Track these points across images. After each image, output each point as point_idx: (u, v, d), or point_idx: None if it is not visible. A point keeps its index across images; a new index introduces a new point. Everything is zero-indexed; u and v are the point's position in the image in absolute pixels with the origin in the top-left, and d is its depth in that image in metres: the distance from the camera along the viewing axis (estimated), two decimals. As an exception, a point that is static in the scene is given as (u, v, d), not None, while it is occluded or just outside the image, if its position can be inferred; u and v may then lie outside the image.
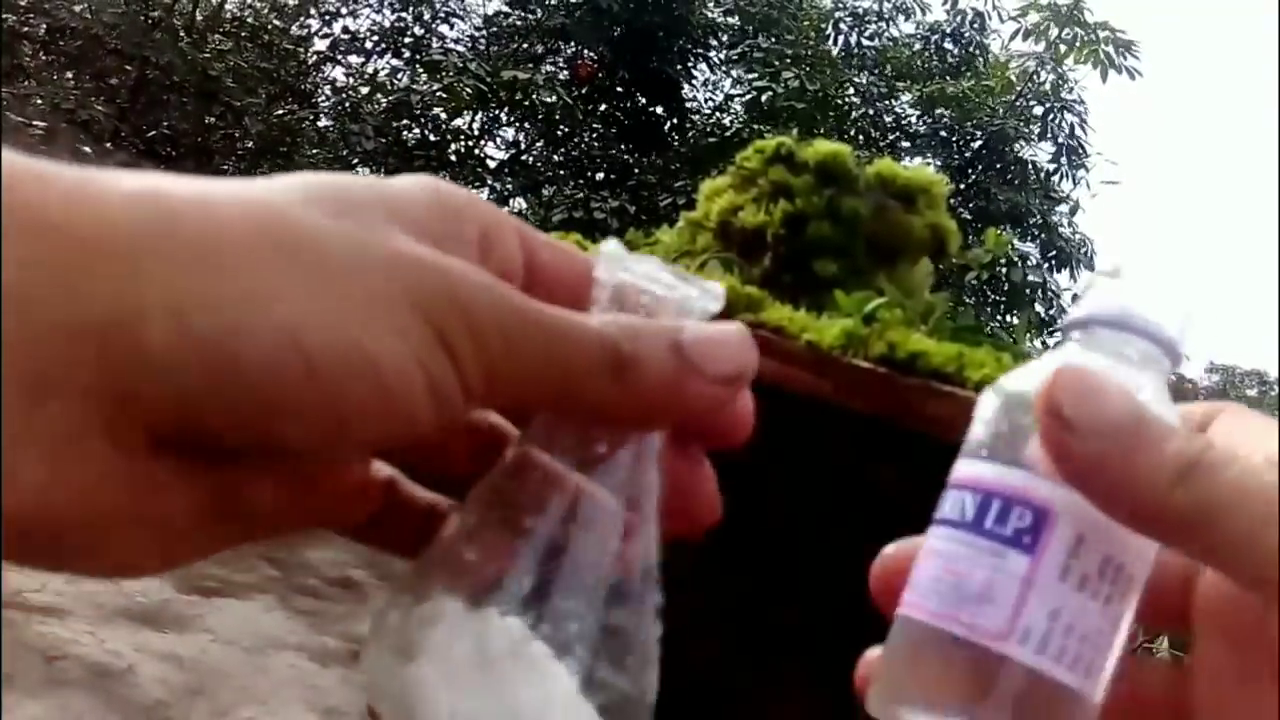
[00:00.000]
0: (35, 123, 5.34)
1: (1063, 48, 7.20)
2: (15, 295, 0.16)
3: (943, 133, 7.67)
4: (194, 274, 0.18)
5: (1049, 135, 7.69)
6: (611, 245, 0.24)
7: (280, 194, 0.20)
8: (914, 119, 7.84)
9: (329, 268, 0.19)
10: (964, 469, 0.26)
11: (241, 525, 0.21)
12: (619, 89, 7.34)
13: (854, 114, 7.50)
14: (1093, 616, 0.23)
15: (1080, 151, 7.64)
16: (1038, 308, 7.15)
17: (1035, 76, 7.60)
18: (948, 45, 8.00)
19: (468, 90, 6.52)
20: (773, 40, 7.31)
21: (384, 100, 6.84)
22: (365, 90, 7.12)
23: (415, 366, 0.19)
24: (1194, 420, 0.25)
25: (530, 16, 7.34)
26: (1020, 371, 0.26)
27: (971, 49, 7.95)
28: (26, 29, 5.83)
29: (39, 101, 5.36)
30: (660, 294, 0.23)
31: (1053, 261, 7.37)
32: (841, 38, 7.94)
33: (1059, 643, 0.23)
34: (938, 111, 7.58)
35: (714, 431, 0.24)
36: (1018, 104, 7.59)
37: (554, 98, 6.48)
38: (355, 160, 7.03)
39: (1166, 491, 0.21)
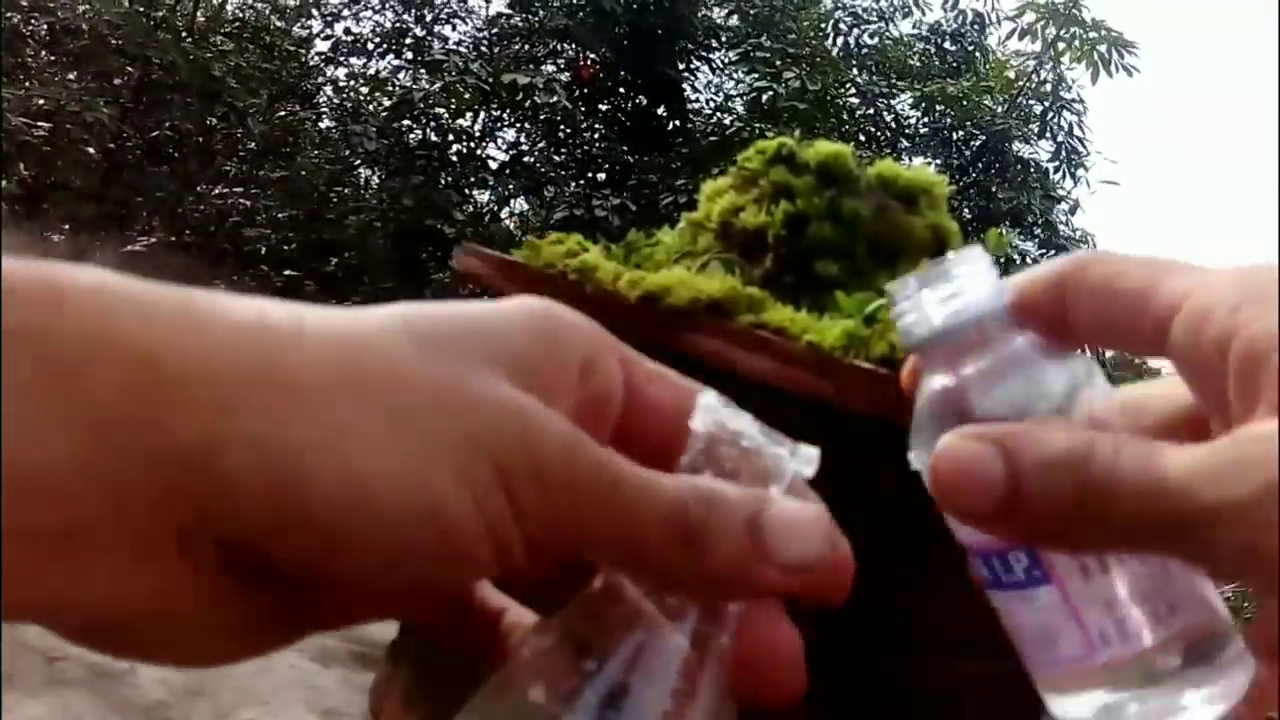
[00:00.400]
0: (38, 124, 5.34)
1: (1060, 45, 7.19)
2: (110, 417, 0.18)
3: (942, 132, 7.67)
4: (276, 415, 0.19)
5: (1048, 134, 7.69)
6: (710, 397, 0.23)
7: (378, 329, 0.21)
8: (914, 119, 7.84)
9: (405, 412, 0.20)
10: (961, 535, 0.26)
11: (313, 624, 0.23)
12: (621, 90, 7.34)
13: (855, 114, 7.50)
14: (1137, 577, 0.23)
15: (1079, 151, 7.64)
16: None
17: (1034, 76, 7.60)
18: (947, 45, 8.00)
19: (469, 91, 6.52)
20: (773, 40, 7.31)
21: (385, 100, 6.84)
22: (367, 91, 7.12)
23: (477, 515, 0.20)
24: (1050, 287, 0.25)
25: (532, 18, 7.34)
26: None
27: (970, 49, 7.95)
28: (29, 28, 5.83)
29: (41, 102, 5.36)
30: (751, 454, 0.22)
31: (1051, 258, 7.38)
32: (841, 38, 7.95)
33: (1134, 616, 0.23)
34: (938, 111, 7.58)
35: (805, 593, 0.23)
36: (1018, 103, 7.59)
37: (555, 98, 6.48)
38: (357, 162, 7.03)
39: (1075, 524, 0.21)
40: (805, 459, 0.23)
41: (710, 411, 0.23)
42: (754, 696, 0.23)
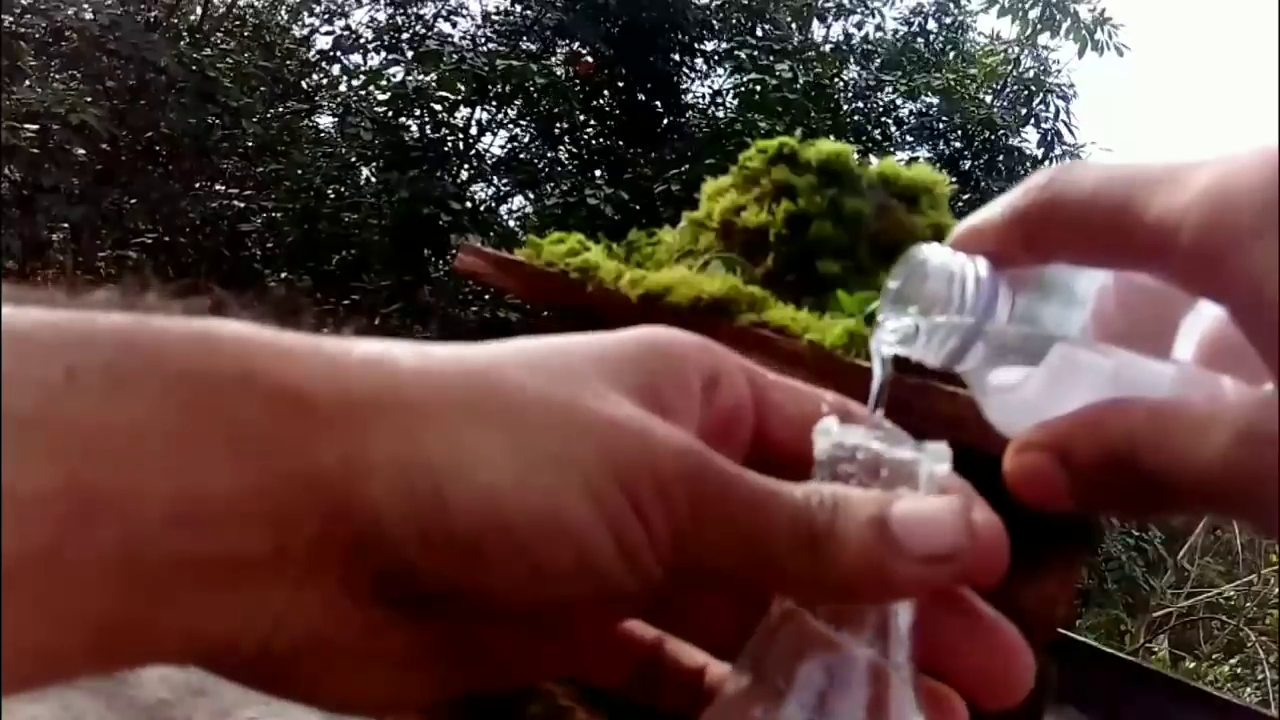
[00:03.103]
0: (27, 126, 5.34)
1: (1040, 26, 7.18)
2: (267, 449, 0.19)
3: (930, 124, 7.68)
4: (411, 437, 0.20)
5: (1034, 120, 7.67)
6: (827, 422, 0.23)
7: (498, 358, 0.22)
8: (904, 111, 7.84)
9: (531, 432, 0.20)
10: None
11: (478, 672, 0.23)
12: (616, 84, 7.35)
13: (846, 106, 7.51)
14: None
15: (1067, 137, 7.62)
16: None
17: (1018, 62, 7.59)
18: (930, 26, 8.01)
19: (465, 82, 6.52)
20: (764, 33, 7.32)
21: (381, 95, 6.83)
22: (359, 84, 7.11)
23: (606, 531, 0.20)
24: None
25: (528, 12, 7.35)
26: None
27: (953, 29, 7.96)
28: (24, 30, 5.82)
29: (34, 103, 5.35)
30: (873, 465, 0.22)
31: None
32: (826, 29, 7.97)
33: None
34: (926, 101, 7.59)
35: (955, 583, 0.24)
36: (1005, 90, 7.59)
37: (548, 81, 6.48)
38: (354, 158, 7.03)
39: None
40: (935, 455, 0.23)
41: (827, 435, 0.23)
42: (981, 703, 0.23)
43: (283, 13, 7.50)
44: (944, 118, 7.57)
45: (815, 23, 7.88)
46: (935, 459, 0.23)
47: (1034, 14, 7.11)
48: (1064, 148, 7.63)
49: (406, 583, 0.20)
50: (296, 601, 0.19)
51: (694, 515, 0.20)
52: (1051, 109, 7.65)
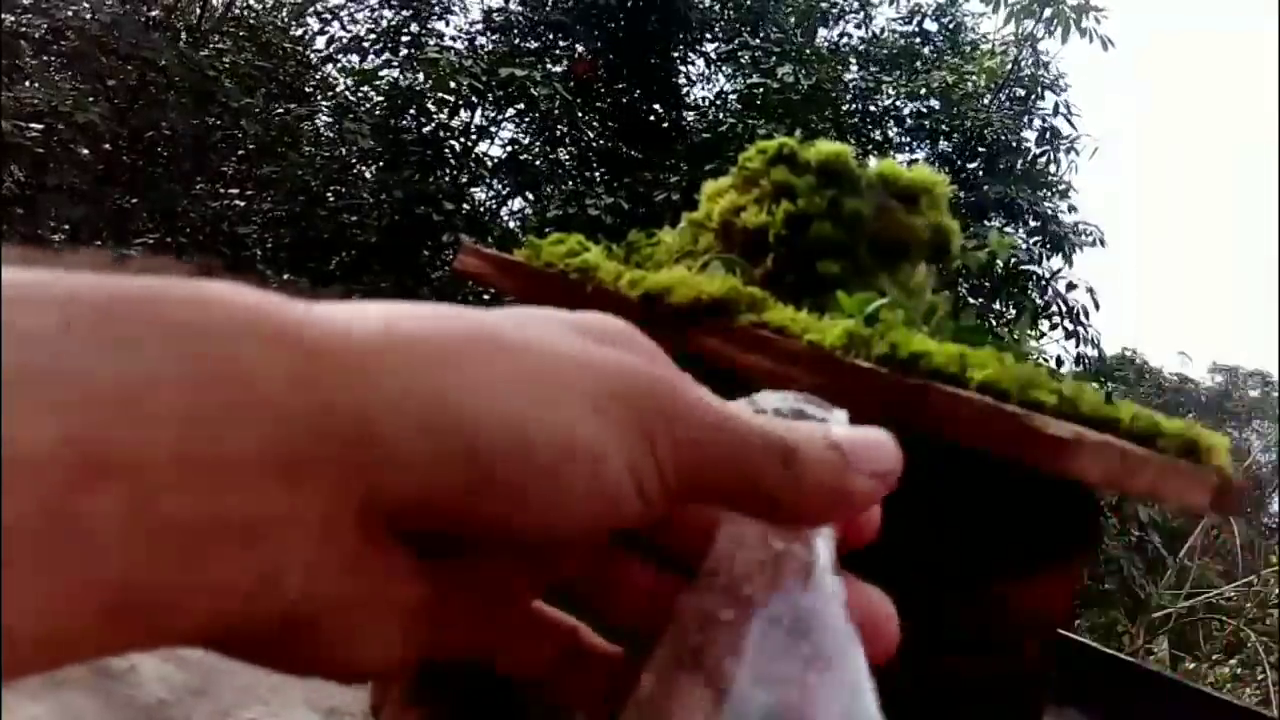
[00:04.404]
0: (32, 125, 5.33)
1: (1031, 23, 7.19)
2: (271, 398, 0.18)
3: (928, 123, 7.68)
4: (422, 370, 0.20)
5: (1030, 117, 7.67)
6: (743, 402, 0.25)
7: (485, 314, 0.22)
8: (903, 111, 7.85)
9: (545, 366, 0.21)
10: None
11: (468, 625, 0.23)
12: (616, 86, 7.34)
13: (845, 107, 7.51)
14: None
15: (1063, 133, 7.61)
16: (1024, 295, 7.16)
17: (1017, 60, 7.60)
18: (929, 26, 8.03)
19: (464, 86, 6.51)
20: (765, 35, 7.33)
21: (379, 96, 6.83)
22: (362, 88, 7.11)
23: (623, 458, 0.21)
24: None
25: (528, 13, 7.35)
26: None
27: (952, 29, 7.97)
28: (24, 29, 5.82)
29: (36, 103, 5.35)
30: (795, 414, 0.24)
31: (1045, 248, 7.36)
32: (825, 30, 7.98)
33: None
34: (925, 102, 7.59)
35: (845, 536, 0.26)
36: (1005, 87, 7.59)
37: (550, 91, 6.48)
38: (354, 160, 7.03)
39: None
40: (839, 420, 0.25)
41: (749, 401, 0.25)
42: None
43: (283, 14, 7.50)
44: (942, 117, 7.57)
45: (817, 24, 7.89)
46: (839, 422, 0.25)
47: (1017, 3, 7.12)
48: (1060, 141, 7.63)
49: (425, 517, 0.20)
50: (318, 556, 0.19)
51: (695, 445, 0.22)
52: (1050, 104, 7.65)
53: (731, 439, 0.22)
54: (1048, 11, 7.06)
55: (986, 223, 6.78)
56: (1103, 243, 7.47)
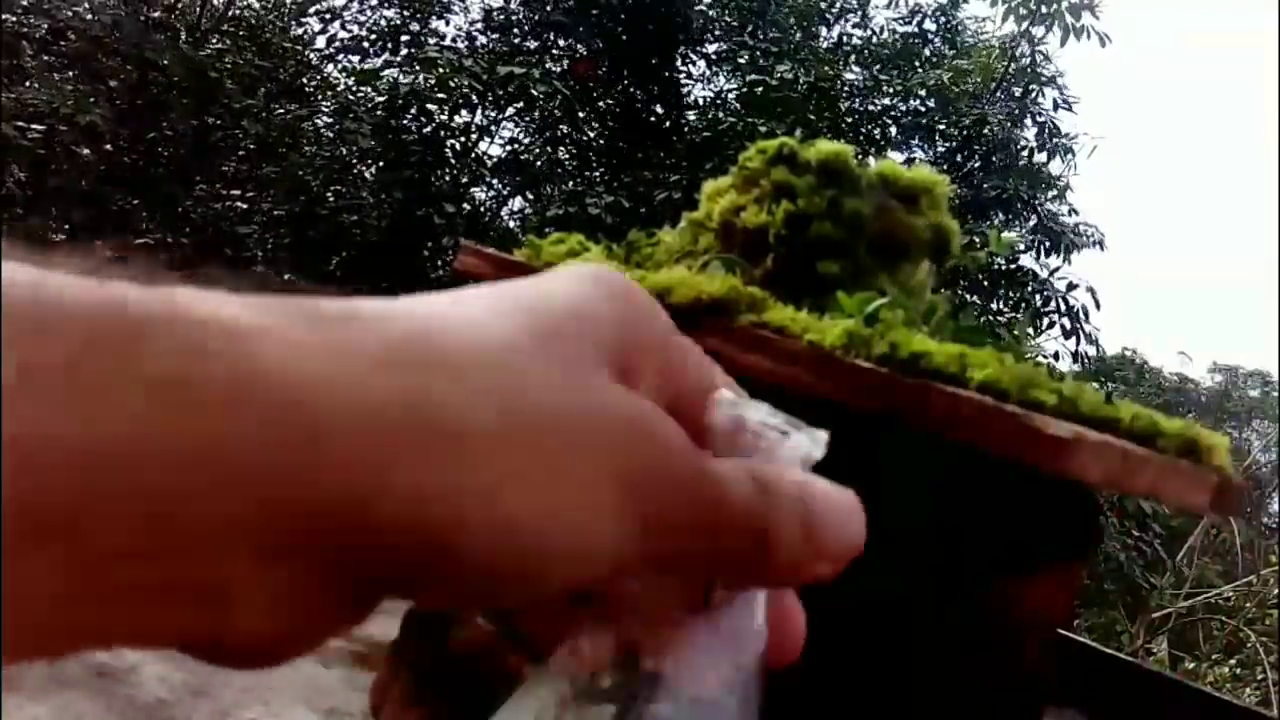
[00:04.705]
0: (33, 126, 5.33)
1: (1027, 11, 7.18)
2: (257, 475, 0.17)
3: (925, 121, 7.68)
4: (435, 463, 0.18)
5: (1028, 114, 7.66)
6: (726, 394, 0.25)
7: (517, 343, 0.20)
8: (901, 110, 7.85)
9: (558, 455, 0.20)
10: None
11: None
12: (616, 85, 7.34)
13: (844, 105, 7.51)
14: None
15: (1059, 130, 7.60)
16: (1017, 292, 7.16)
17: (1014, 57, 7.59)
18: (928, 26, 8.03)
19: (464, 86, 6.52)
20: (765, 34, 7.33)
21: (379, 96, 6.83)
22: (362, 88, 7.11)
23: (612, 548, 0.20)
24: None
25: (528, 13, 7.34)
26: None
27: (952, 29, 7.97)
28: (26, 30, 5.82)
29: (37, 104, 5.35)
30: (773, 440, 0.24)
31: (1043, 246, 7.36)
32: (825, 30, 7.99)
33: None
34: (923, 101, 7.59)
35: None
36: (1002, 84, 7.58)
37: (550, 90, 6.48)
38: (354, 160, 7.02)
39: None
40: (820, 443, 0.25)
41: (729, 406, 0.24)
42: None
43: (284, 14, 7.50)
44: (940, 116, 7.57)
45: (817, 24, 7.89)
46: (819, 446, 0.25)
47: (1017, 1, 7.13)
48: (1059, 140, 7.63)
49: (394, 590, 0.19)
50: (272, 613, 0.18)
51: (681, 515, 0.21)
52: (1049, 101, 7.65)
53: (708, 509, 0.21)
54: (1045, 9, 7.07)
55: (985, 222, 6.78)
56: (1102, 246, 7.48)
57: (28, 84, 5.46)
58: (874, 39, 8.10)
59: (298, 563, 0.18)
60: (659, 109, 7.42)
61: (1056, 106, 7.61)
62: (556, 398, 0.20)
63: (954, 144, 7.58)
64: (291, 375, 0.17)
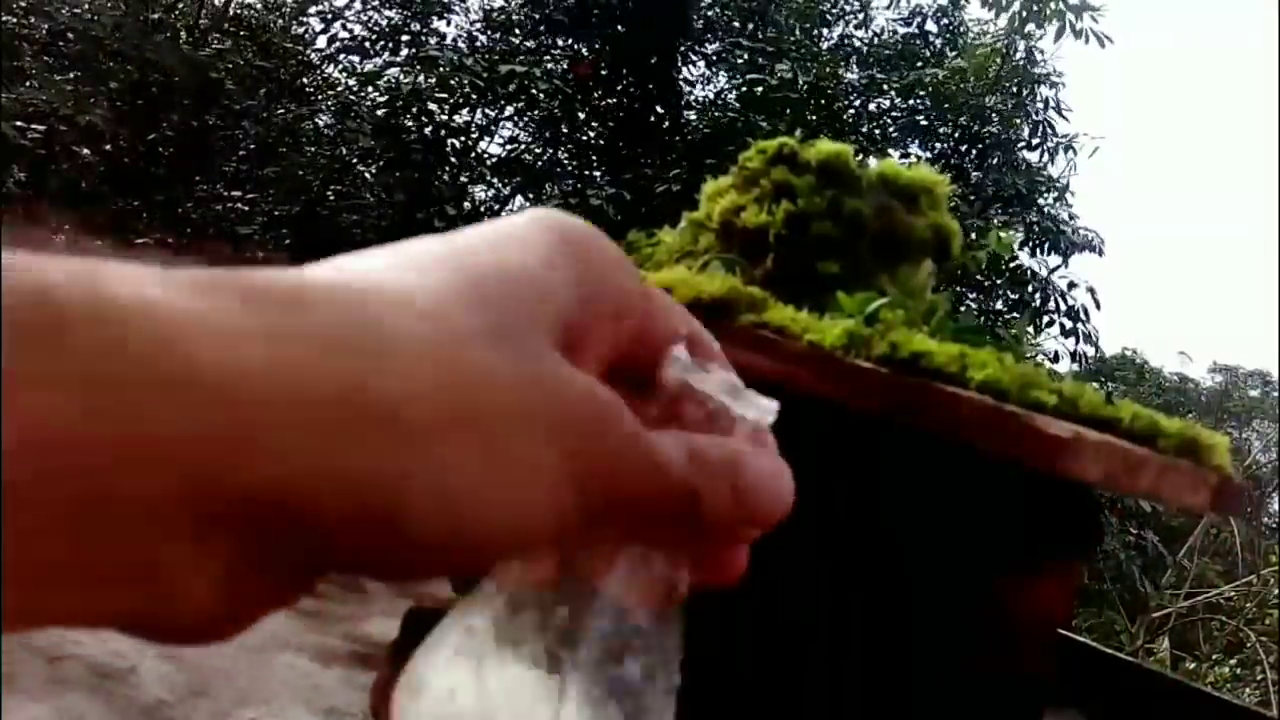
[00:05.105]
0: (33, 126, 5.34)
1: (1023, 15, 7.18)
2: (188, 460, 0.17)
3: (923, 120, 7.67)
4: (375, 451, 0.18)
5: (1024, 112, 7.65)
6: (680, 351, 0.25)
7: (459, 321, 0.20)
8: (899, 108, 7.85)
9: (501, 439, 0.20)
10: None
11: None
12: (616, 84, 7.35)
13: (842, 103, 7.51)
14: None
15: (1057, 129, 7.60)
16: (1017, 292, 7.16)
17: (1008, 53, 7.58)
18: (929, 28, 8.03)
19: (465, 85, 6.52)
20: (764, 32, 7.34)
21: (380, 96, 6.84)
22: (356, 85, 7.12)
23: (554, 521, 0.21)
24: None
25: (529, 12, 7.35)
26: None
27: (952, 30, 7.97)
28: (26, 31, 5.82)
29: (37, 104, 5.36)
30: (720, 406, 0.25)
31: (1041, 245, 7.36)
32: (827, 29, 7.99)
33: None
34: (920, 100, 7.59)
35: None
36: (999, 83, 7.58)
37: (550, 88, 6.49)
38: (354, 160, 7.03)
39: None
40: (765, 410, 0.25)
41: (680, 369, 0.25)
42: (700, 581, 0.25)
43: (284, 14, 7.50)
44: (938, 115, 7.57)
45: (818, 24, 7.90)
46: (765, 413, 0.25)
47: (1017, 3, 7.13)
48: (1056, 139, 7.62)
49: (335, 568, 0.19)
50: (213, 593, 0.18)
51: (622, 488, 0.22)
52: (1040, 99, 7.64)
53: (646, 481, 0.22)
54: (1041, 8, 7.07)
55: (984, 221, 6.78)
56: (1101, 252, 7.47)
57: (28, 84, 5.46)
58: (875, 39, 8.10)
59: (235, 544, 0.18)
60: (659, 108, 7.43)
61: (1048, 106, 7.61)
62: (497, 380, 0.20)
63: (952, 143, 7.58)
64: (227, 368, 0.17)
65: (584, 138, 7.30)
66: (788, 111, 6.60)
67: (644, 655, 0.23)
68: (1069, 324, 7.08)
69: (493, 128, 7.46)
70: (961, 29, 8.03)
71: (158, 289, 0.17)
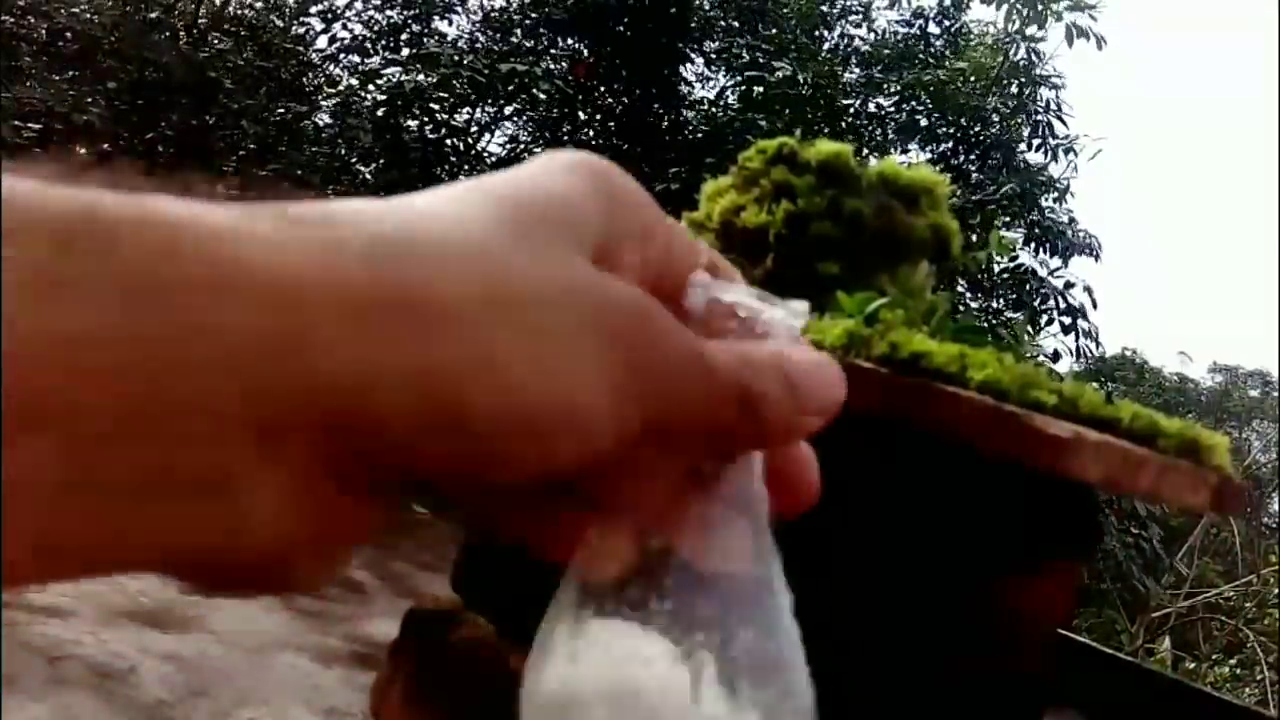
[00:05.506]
0: (30, 125, 5.34)
1: (1024, 15, 7.18)
2: (248, 356, 0.17)
3: (923, 120, 7.67)
4: (427, 342, 0.19)
5: (1025, 114, 7.64)
6: (701, 276, 0.25)
7: (490, 229, 0.21)
8: (900, 108, 7.84)
9: (547, 318, 0.20)
10: None
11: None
12: (616, 84, 7.35)
13: (842, 103, 7.51)
14: None
15: (1058, 130, 7.59)
16: (1017, 292, 7.16)
17: (1008, 55, 7.57)
18: (931, 29, 8.02)
19: (465, 84, 6.52)
20: (764, 32, 7.34)
21: (380, 95, 6.84)
22: (363, 87, 7.12)
23: (611, 411, 0.21)
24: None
25: (529, 12, 7.35)
26: None
27: (954, 32, 7.96)
28: (24, 30, 5.82)
29: (35, 103, 5.36)
30: (751, 315, 0.25)
31: (1041, 246, 7.36)
32: (827, 30, 7.98)
33: None
34: (920, 100, 7.59)
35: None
36: (999, 84, 7.57)
37: (550, 87, 6.49)
38: (354, 159, 7.03)
39: None
40: (795, 313, 0.25)
41: (704, 288, 0.25)
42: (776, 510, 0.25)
43: (284, 15, 7.50)
44: (939, 115, 7.57)
45: (819, 25, 7.89)
46: (796, 315, 0.25)
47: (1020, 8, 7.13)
48: (1057, 141, 7.62)
49: (407, 475, 0.19)
50: (289, 508, 0.18)
51: (676, 387, 0.22)
52: (1042, 101, 7.63)
53: (698, 380, 0.22)
54: (1041, 8, 7.07)
55: (985, 221, 6.78)
56: (1098, 256, 7.47)
57: (27, 84, 5.46)
58: (876, 40, 8.10)
59: (302, 449, 0.18)
60: (659, 108, 7.44)
61: (1049, 108, 7.60)
62: (537, 278, 0.20)
63: (952, 144, 7.57)
64: (276, 268, 0.18)
65: (584, 137, 7.30)
66: (788, 111, 6.61)
67: (753, 616, 0.23)
68: (1067, 322, 7.08)
69: (493, 127, 7.46)
70: (963, 31, 8.02)
71: (204, 209, 0.18)
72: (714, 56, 7.75)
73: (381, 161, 6.86)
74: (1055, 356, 6.84)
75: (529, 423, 0.19)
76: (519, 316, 0.20)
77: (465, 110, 7.19)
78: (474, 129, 7.29)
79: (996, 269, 6.73)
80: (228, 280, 0.17)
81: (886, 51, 7.95)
